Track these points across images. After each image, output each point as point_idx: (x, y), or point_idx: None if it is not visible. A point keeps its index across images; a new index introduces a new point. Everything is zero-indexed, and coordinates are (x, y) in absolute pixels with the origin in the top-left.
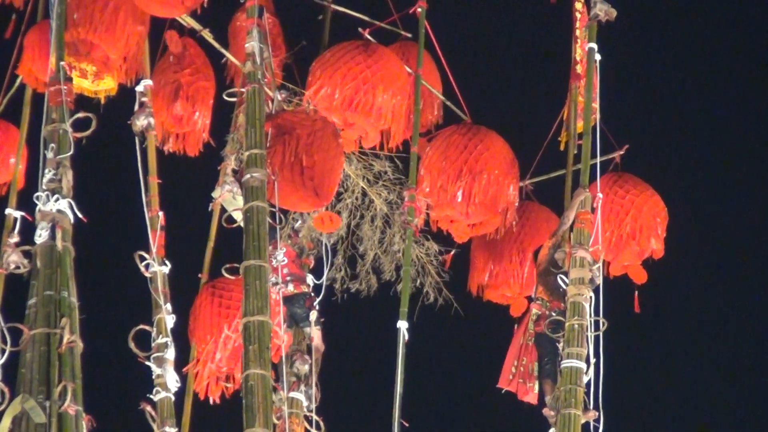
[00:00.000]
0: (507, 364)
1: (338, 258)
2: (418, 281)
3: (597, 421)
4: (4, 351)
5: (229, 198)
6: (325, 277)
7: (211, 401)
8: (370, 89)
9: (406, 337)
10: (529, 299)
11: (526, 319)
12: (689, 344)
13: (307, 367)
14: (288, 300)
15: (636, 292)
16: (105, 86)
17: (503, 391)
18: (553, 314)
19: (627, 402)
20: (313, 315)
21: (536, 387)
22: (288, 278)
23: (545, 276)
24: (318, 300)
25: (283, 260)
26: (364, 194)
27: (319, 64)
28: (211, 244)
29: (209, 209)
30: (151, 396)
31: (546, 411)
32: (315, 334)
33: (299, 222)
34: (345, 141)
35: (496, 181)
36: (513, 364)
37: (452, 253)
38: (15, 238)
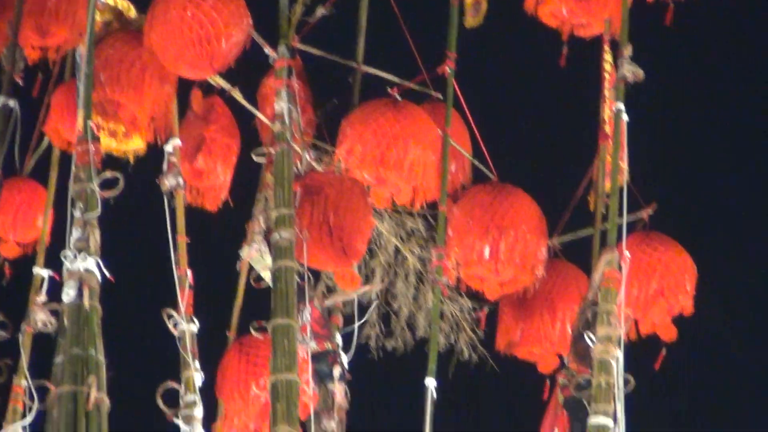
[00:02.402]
0: None
1: (372, 315)
2: (452, 338)
3: None
4: (31, 408)
5: (257, 257)
6: (355, 335)
7: None
8: (401, 144)
9: (435, 395)
10: (561, 363)
11: (555, 391)
12: (718, 402)
13: (333, 423)
14: (313, 358)
15: (663, 350)
16: (133, 146)
17: None
18: (580, 380)
19: None
20: (336, 372)
21: None
22: (310, 336)
23: (576, 343)
24: (348, 358)
25: (307, 319)
26: (398, 251)
27: (348, 122)
28: (238, 302)
29: (237, 268)
30: None
31: None
32: (338, 391)
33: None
34: (377, 198)
35: (524, 238)
36: None
37: (485, 311)
38: (42, 297)
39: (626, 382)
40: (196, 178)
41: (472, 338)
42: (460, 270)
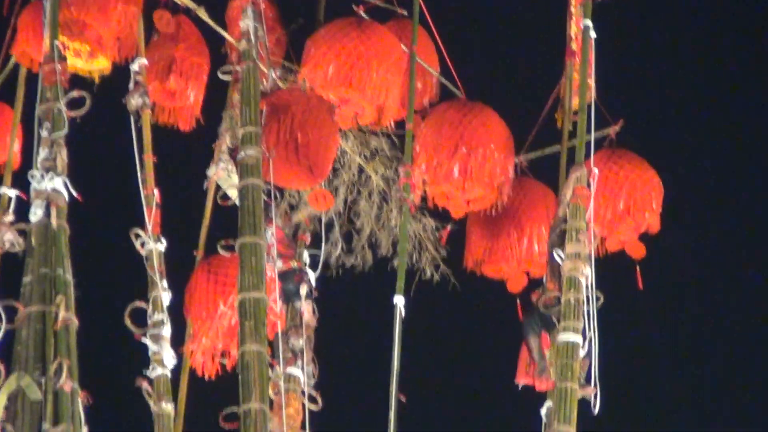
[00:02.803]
0: (522, 359)
1: (335, 233)
2: (415, 257)
3: (594, 396)
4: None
5: (224, 176)
6: (322, 253)
7: (206, 378)
8: (364, 65)
9: (403, 313)
10: (530, 281)
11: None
12: (686, 319)
13: (301, 341)
14: (280, 276)
15: (637, 268)
16: (99, 65)
17: (521, 386)
18: (551, 297)
19: (624, 378)
20: (303, 290)
21: (552, 374)
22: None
23: (551, 262)
24: (315, 276)
25: (270, 240)
26: (361, 170)
27: (312, 42)
28: (206, 221)
29: (204, 187)
30: (148, 373)
31: (544, 378)
32: (305, 309)
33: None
34: (341, 118)
35: (492, 156)
36: (528, 357)
37: (449, 228)
38: (10, 217)
39: (597, 299)
40: (169, 98)
41: (435, 257)
42: (426, 188)
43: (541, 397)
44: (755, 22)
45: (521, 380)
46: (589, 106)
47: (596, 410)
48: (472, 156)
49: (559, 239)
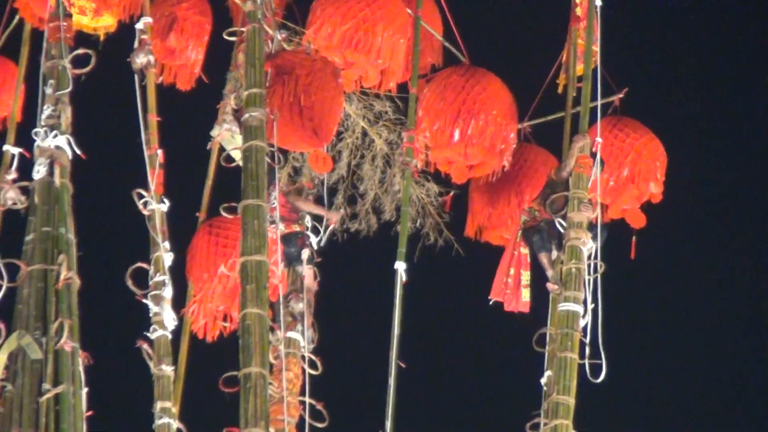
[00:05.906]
0: (498, 277)
1: (338, 197)
2: (419, 222)
3: (598, 365)
4: (1, 287)
5: (227, 137)
6: (325, 220)
7: (207, 340)
8: (370, 28)
9: (404, 278)
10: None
11: (515, 231)
12: (687, 290)
13: (301, 305)
14: (282, 240)
15: (634, 238)
16: (104, 23)
17: (492, 302)
18: (541, 224)
19: (625, 346)
20: (305, 254)
21: (523, 296)
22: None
23: (542, 189)
24: (318, 240)
25: (273, 203)
26: (365, 134)
27: (319, 3)
28: (209, 182)
29: (208, 148)
30: (148, 334)
31: (549, 285)
32: (307, 273)
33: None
34: (345, 80)
35: (494, 122)
36: (504, 276)
37: (452, 194)
38: (12, 175)
39: (599, 267)
40: (169, 56)
41: (438, 222)
42: (428, 152)
43: (543, 366)
44: None
45: (494, 297)
46: (594, 73)
47: (600, 379)
48: (473, 121)
49: (554, 202)
